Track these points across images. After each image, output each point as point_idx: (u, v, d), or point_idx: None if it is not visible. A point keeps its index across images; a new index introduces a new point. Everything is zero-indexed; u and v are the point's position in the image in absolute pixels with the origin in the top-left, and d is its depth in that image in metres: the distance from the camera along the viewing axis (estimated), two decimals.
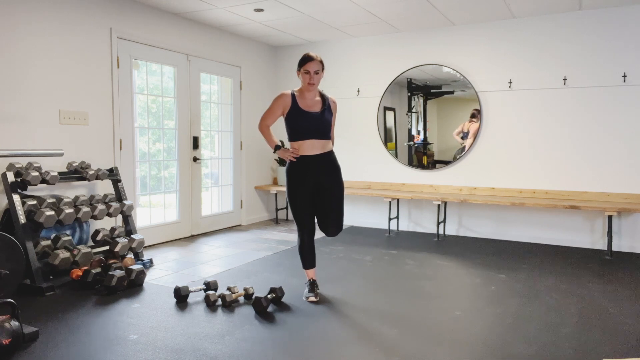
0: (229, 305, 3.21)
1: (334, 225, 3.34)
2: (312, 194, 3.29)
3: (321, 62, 3.21)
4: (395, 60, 5.94)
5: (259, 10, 4.98)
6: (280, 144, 3.37)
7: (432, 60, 5.72)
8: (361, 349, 2.54)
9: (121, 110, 4.70)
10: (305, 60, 3.18)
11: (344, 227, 6.10)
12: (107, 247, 4.08)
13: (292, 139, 3.28)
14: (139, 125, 5.02)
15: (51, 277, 3.63)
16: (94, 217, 3.99)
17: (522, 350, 2.53)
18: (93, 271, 3.55)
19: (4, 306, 2.53)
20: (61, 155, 3.81)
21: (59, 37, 4.11)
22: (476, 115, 5.48)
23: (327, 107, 3.29)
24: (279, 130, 6.78)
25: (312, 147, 3.24)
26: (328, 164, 3.29)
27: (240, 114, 6.24)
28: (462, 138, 5.61)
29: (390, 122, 6.07)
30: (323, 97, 3.32)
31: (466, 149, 5.56)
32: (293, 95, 3.25)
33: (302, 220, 3.31)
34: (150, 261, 4.30)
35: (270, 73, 6.75)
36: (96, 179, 4.17)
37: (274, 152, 3.36)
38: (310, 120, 3.21)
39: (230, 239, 5.42)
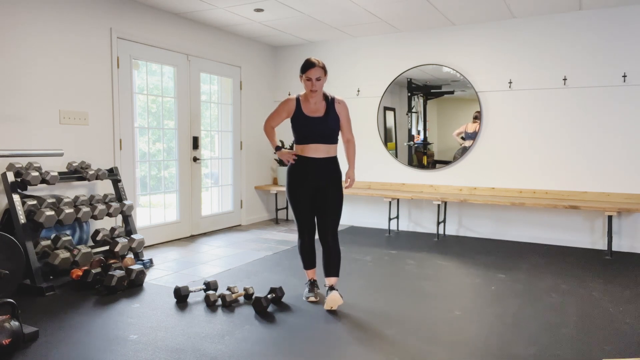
0: (229, 305, 3.21)
1: (329, 228, 3.30)
2: (312, 195, 3.29)
3: (323, 67, 3.16)
4: (395, 60, 5.94)
5: (259, 10, 4.98)
6: (280, 144, 3.36)
7: (432, 60, 5.72)
8: (361, 349, 2.54)
9: (121, 110, 4.70)
10: (307, 66, 3.14)
11: (344, 228, 6.11)
12: (107, 247, 4.08)
13: (297, 142, 3.30)
14: (139, 125, 5.02)
15: (51, 277, 3.63)
16: (94, 217, 4.00)
17: (522, 350, 2.53)
18: (93, 271, 3.55)
19: (4, 306, 2.53)
20: (61, 155, 3.81)
21: (59, 37, 4.11)
22: (478, 117, 5.49)
23: (330, 111, 3.24)
24: (285, 130, 6.81)
25: (315, 150, 3.23)
26: (329, 169, 3.26)
27: (240, 114, 6.24)
28: (463, 139, 5.61)
29: (390, 122, 6.07)
30: (327, 100, 3.27)
31: (470, 148, 5.56)
32: (298, 101, 3.27)
33: (302, 220, 3.31)
34: (150, 261, 4.30)
35: (270, 73, 6.75)
36: (96, 179, 4.17)
37: (274, 153, 3.36)
38: (313, 125, 3.21)
39: (230, 239, 5.42)
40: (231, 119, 6.13)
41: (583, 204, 4.68)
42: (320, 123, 3.22)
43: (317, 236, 3.36)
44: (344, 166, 3.53)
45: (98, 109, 4.47)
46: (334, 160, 3.29)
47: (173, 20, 5.18)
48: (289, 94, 6.67)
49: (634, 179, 4.81)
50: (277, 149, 3.33)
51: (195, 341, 2.64)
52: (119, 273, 3.47)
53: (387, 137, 6.08)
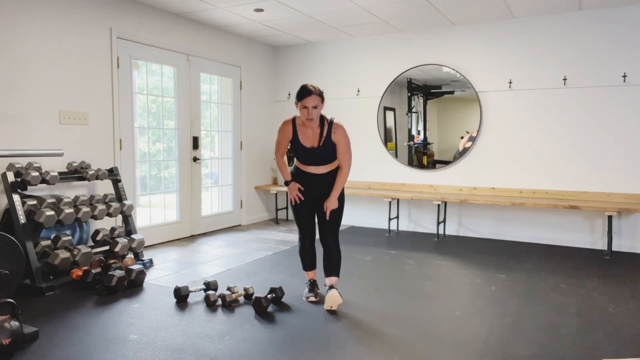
0: (229, 305, 3.21)
1: (330, 230, 3.29)
2: (313, 200, 3.30)
3: (320, 95, 3.03)
4: (395, 60, 5.94)
5: (259, 10, 4.98)
6: (290, 179, 3.31)
7: (432, 60, 5.72)
8: (361, 349, 2.54)
9: (121, 110, 4.70)
10: (303, 94, 3.00)
11: (344, 228, 6.11)
12: (107, 247, 4.08)
13: (297, 160, 3.28)
14: (139, 125, 5.02)
15: (51, 277, 3.63)
16: (94, 217, 3.99)
17: (522, 350, 2.53)
18: (93, 271, 3.55)
19: (4, 306, 2.53)
20: (61, 155, 3.81)
21: (59, 37, 4.11)
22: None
23: (327, 141, 3.13)
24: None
25: (316, 169, 3.23)
26: (331, 179, 3.25)
27: (240, 114, 6.24)
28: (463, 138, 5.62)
29: (390, 122, 6.07)
30: (323, 126, 3.13)
31: (470, 148, 5.56)
32: (294, 125, 3.17)
33: (303, 224, 3.33)
34: (150, 261, 4.30)
35: (270, 73, 6.75)
36: (96, 179, 4.17)
37: (285, 185, 3.34)
38: (309, 154, 3.18)
39: (230, 239, 5.42)
40: (231, 119, 6.13)
41: (583, 204, 4.68)
42: (316, 152, 3.17)
43: (317, 236, 3.37)
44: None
45: (98, 109, 4.47)
46: (336, 171, 3.27)
47: (173, 20, 5.18)
48: (289, 95, 6.67)
49: (634, 179, 4.81)
50: (286, 183, 3.30)
51: (195, 341, 2.64)
52: (119, 273, 3.47)
53: (387, 137, 6.08)
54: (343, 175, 3.22)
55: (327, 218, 3.25)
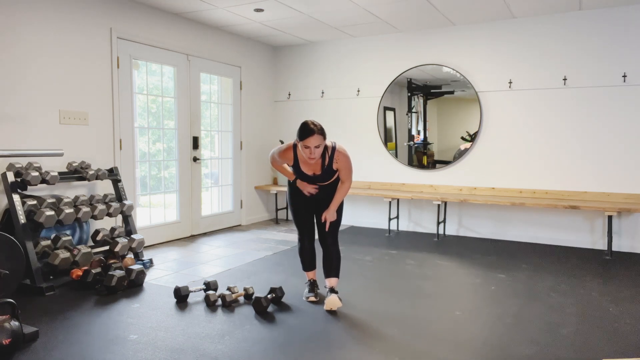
0: (229, 305, 3.21)
1: (329, 233, 3.30)
2: (312, 203, 3.32)
3: (322, 132, 2.92)
4: (395, 60, 5.94)
5: (259, 10, 4.98)
6: (294, 178, 3.27)
7: (432, 60, 5.72)
8: (361, 349, 2.54)
9: (121, 110, 4.70)
10: (305, 134, 2.88)
11: (344, 227, 6.11)
12: (107, 247, 4.08)
13: (295, 173, 3.27)
14: (139, 125, 5.02)
15: (51, 277, 3.63)
16: (94, 217, 3.99)
17: (522, 350, 2.53)
18: (93, 271, 3.55)
19: (4, 306, 2.53)
20: (61, 155, 3.81)
21: (59, 37, 4.11)
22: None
23: (328, 169, 3.12)
24: (286, 132, 6.82)
25: (315, 183, 3.25)
26: (332, 189, 3.27)
27: (240, 114, 6.24)
28: (463, 139, 5.61)
29: (390, 122, 6.07)
30: (325, 155, 3.09)
31: (469, 149, 5.56)
32: (295, 152, 3.13)
33: (302, 225, 3.34)
34: (150, 261, 4.30)
35: (270, 73, 6.75)
36: (96, 179, 4.17)
37: (295, 183, 3.28)
38: (310, 180, 3.20)
39: (230, 239, 5.42)
40: (231, 119, 6.13)
41: (583, 204, 4.68)
42: (316, 178, 3.18)
43: (317, 236, 3.37)
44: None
45: (98, 109, 4.47)
46: (336, 182, 3.28)
47: (173, 20, 5.18)
48: (289, 95, 6.67)
49: (634, 179, 4.80)
50: (292, 182, 3.29)
51: (195, 341, 2.64)
52: (119, 273, 3.47)
53: (387, 137, 6.08)
54: (344, 189, 3.20)
55: (327, 229, 3.25)
